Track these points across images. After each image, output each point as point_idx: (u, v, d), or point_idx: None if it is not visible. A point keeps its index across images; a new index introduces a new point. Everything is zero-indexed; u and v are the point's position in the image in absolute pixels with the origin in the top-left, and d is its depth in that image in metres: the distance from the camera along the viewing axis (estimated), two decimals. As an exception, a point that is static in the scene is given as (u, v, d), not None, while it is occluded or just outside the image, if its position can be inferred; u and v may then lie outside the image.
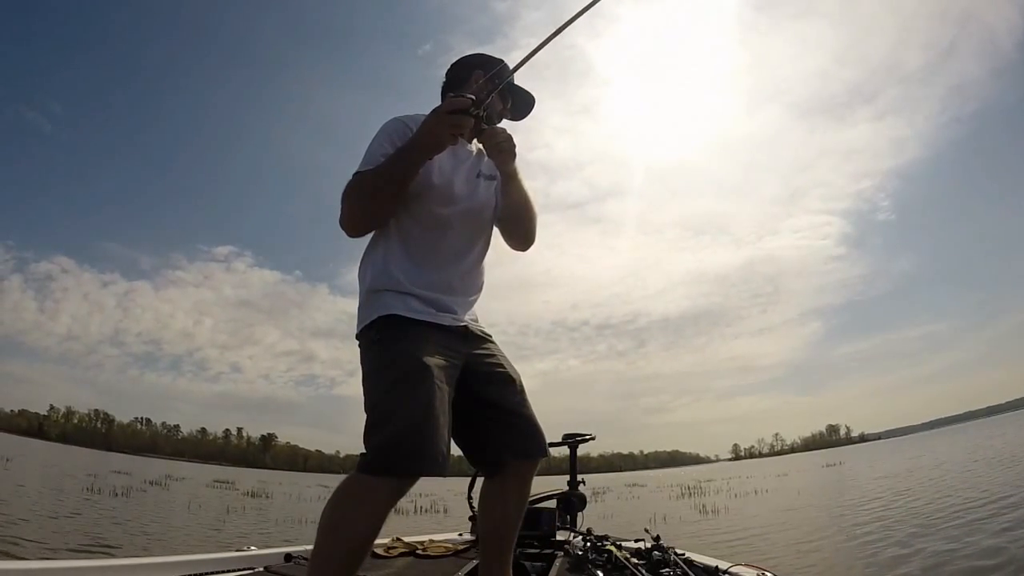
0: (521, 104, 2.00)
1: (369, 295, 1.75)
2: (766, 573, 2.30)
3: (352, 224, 1.71)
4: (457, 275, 1.85)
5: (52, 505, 10.74)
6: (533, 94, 1.99)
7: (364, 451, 1.54)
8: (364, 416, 1.60)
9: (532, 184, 1.98)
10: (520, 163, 1.88)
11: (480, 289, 1.96)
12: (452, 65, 2.04)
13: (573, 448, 3.58)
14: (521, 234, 1.99)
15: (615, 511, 14.19)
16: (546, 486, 3.34)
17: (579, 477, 3.55)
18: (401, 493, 1.53)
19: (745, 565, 2.35)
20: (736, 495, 17.06)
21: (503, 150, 1.80)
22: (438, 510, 13.96)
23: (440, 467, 1.54)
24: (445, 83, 2.01)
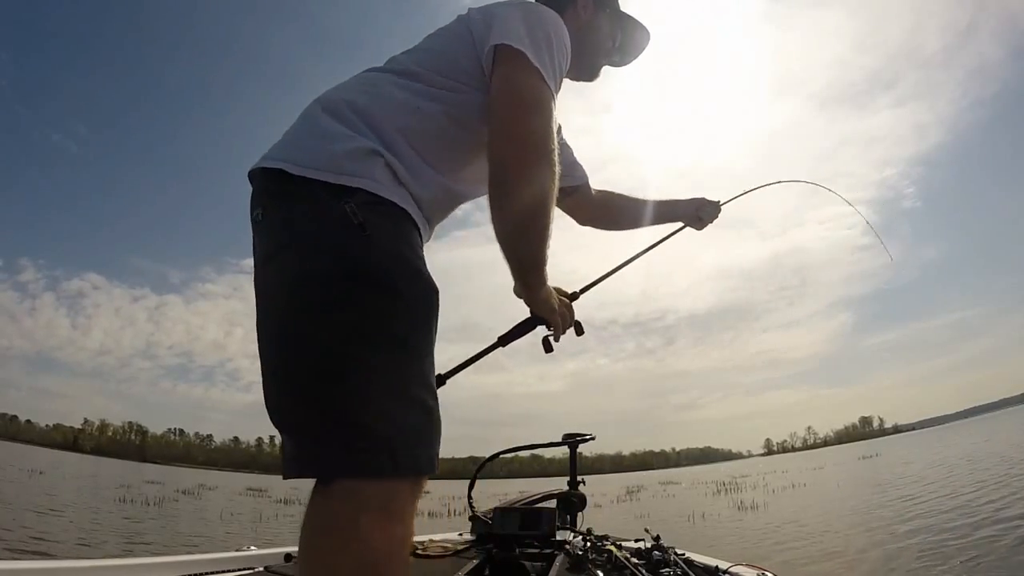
0: (630, 47, 1.63)
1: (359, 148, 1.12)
2: (766, 573, 2.21)
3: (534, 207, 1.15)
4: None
5: (83, 516, 10.74)
6: (648, 32, 1.61)
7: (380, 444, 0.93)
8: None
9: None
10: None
11: None
12: None
13: (573, 448, 3.48)
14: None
15: (651, 510, 13.93)
16: (547, 486, 3.28)
17: (579, 477, 3.48)
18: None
19: (745, 565, 2.25)
20: (773, 491, 16.74)
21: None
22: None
23: None
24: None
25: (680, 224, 1.96)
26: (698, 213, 1.96)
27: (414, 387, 0.99)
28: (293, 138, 1.16)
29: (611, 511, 14.85)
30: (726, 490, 18.98)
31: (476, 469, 3.05)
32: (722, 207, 1.99)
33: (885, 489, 12.66)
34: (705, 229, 2.00)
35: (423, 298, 1.05)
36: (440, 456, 1.03)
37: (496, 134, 1.13)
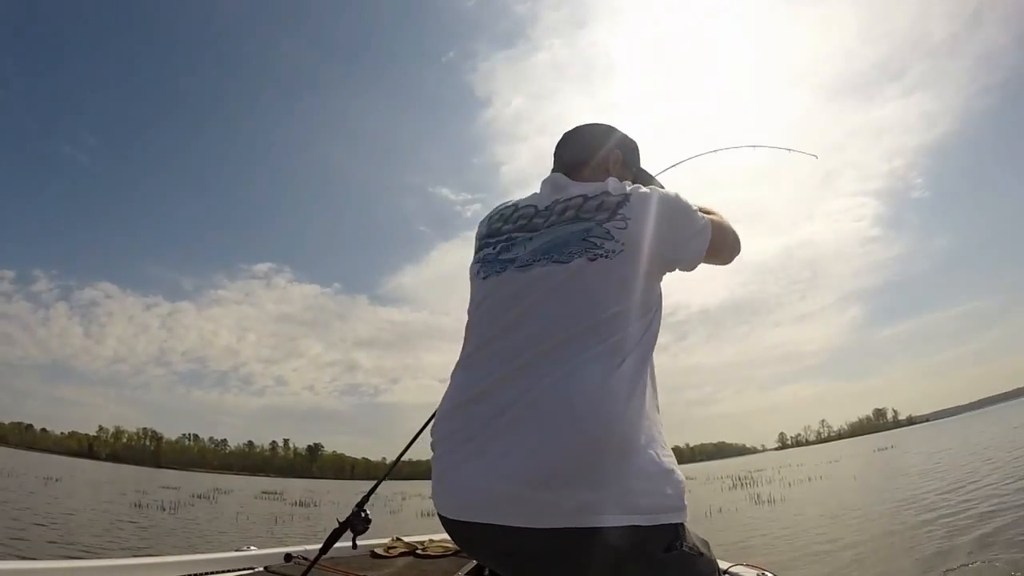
0: None
1: (677, 480, 1.12)
2: (766, 573, 2.28)
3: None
4: None
5: (100, 520, 10.75)
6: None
7: None
8: None
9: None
10: None
11: None
12: (587, 128, 1.57)
13: None
14: None
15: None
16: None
17: None
18: None
19: (745, 565, 2.33)
20: (789, 484, 16.65)
21: None
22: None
23: None
24: (574, 145, 1.53)
25: None
26: None
27: None
28: (605, 479, 1.04)
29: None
30: (742, 484, 18.89)
31: None
32: None
33: (913, 480, 12.52)
34: None
35: None
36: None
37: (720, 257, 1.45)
